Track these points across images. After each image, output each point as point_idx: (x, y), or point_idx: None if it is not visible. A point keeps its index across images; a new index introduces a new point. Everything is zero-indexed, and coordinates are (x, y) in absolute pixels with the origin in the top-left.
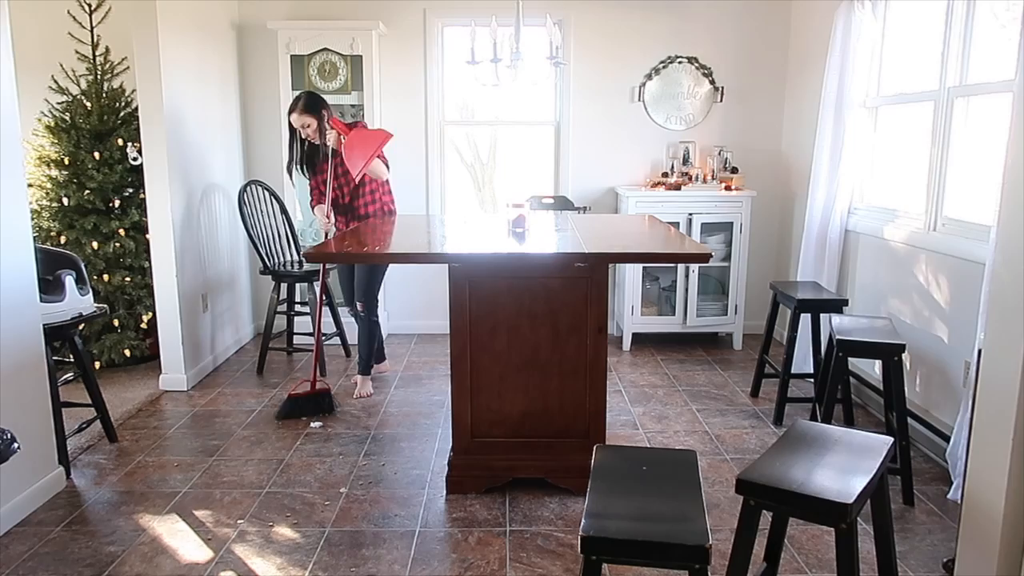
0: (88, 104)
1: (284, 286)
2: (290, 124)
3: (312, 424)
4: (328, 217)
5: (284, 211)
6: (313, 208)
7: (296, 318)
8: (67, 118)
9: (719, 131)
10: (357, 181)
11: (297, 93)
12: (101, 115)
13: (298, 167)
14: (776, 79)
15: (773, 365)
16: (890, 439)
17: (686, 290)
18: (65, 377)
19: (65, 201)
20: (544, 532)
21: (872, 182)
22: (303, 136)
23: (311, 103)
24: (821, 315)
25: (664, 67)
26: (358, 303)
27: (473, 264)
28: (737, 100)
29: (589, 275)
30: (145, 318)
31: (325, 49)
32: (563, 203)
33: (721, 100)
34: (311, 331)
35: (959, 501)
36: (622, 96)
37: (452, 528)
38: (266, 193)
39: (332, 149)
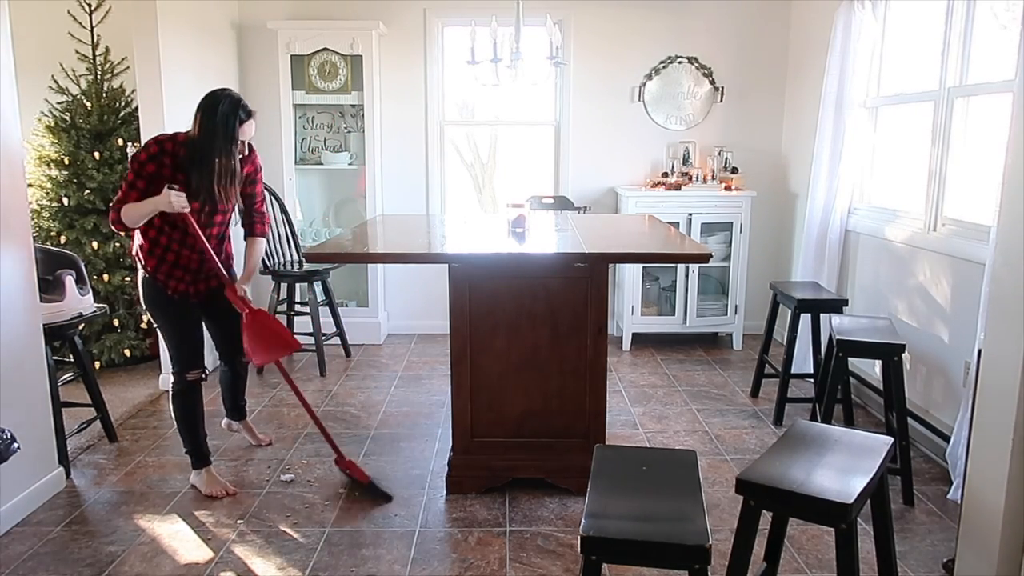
0: (88, 104)
1: (284, 286)
2: (235, 136)
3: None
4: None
5: (284, 211)
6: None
7: (296, 318)
8: (67, 118)
9: (719, 131)
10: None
11: (231, 93)
12: (101, 115)
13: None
14: (776, 79)
15: (773, 365)
16: (890, 439)
17: (686, 290)
18: (65, 377)
19: (65, 201)
20: (544, 532)
21: (872, 182)
22: (238, 150)
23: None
24: (821, 315)
25: (664, 67)
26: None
27: (473, 264)
28: (737, 100)
29: (589, 275)
30: (145, 318)
31: (325, 49)
32: (563, 203)
33: (721, 100)
34: (311, 331)
35: (959, 501)
36: (622, 96)
37: (452, 528)
38: (266, 193)
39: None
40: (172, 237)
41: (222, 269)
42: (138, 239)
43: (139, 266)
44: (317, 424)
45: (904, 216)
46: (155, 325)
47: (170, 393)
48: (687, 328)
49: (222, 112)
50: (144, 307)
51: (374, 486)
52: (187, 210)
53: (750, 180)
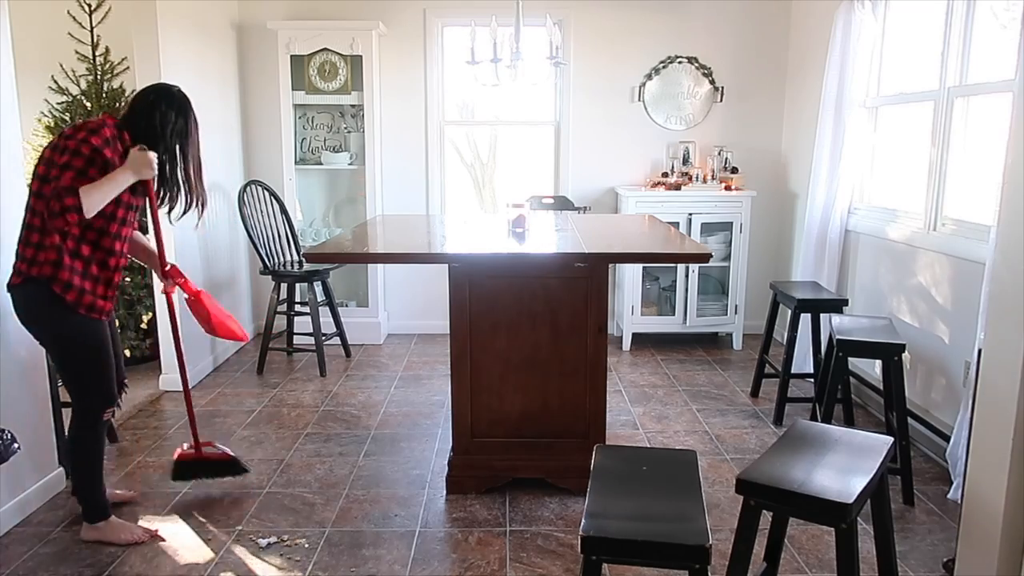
0: (88, 104)
1: (284, 286)
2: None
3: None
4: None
5: (284, 211)
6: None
7: (296, 318)
8: (67, 118)
9: (719, 131)
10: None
11: (174, 89)
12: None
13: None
14: (776, 79)
15: (773, 365)
16: (890, 439)
17: (686, 290)
18: None
19: None
20: (544, 532)
21: (872, 182)
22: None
23: None
24: (821, 315)
25: (664, 67)
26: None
27: (473, 264)
28: (737, 100)
29: (589, 275)
30: (145, 318)
31: (325, 49)
32: (563, 203)
33: (721, 100)
34: (311, 331)
35: (959, 501)
36: (622, 96)
37: (452, 528)
38: (266, 193)
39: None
40: (100, 242)
41: (164, 251)
42: (54, 246)
43: (55, 286)
44: (189, 413)
45: (904, 216)
46: (64, 357)
47: (74, 435)
48: (687, 328)
49: (183, 108)
50: (63, 338)
51: (236, 462)
52: (155, 175)
53: (750, 180)
